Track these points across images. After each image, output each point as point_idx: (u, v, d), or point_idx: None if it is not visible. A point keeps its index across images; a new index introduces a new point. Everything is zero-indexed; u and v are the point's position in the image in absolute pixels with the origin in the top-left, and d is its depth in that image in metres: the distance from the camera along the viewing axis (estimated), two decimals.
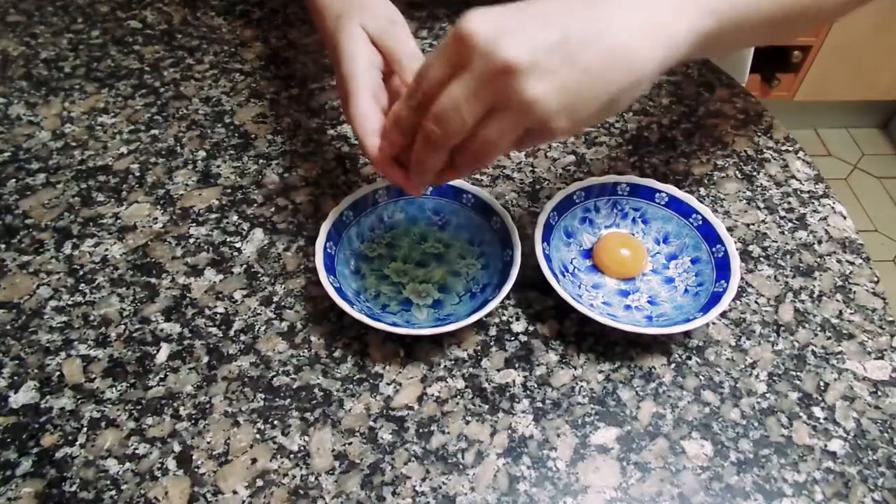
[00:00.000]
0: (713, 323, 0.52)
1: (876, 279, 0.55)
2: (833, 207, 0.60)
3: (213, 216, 0.57)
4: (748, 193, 0.61)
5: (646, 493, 0.43)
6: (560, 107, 0.35)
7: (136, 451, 0.43)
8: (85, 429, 0.44)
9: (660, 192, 0.55)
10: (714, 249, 0.52)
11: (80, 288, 0.52)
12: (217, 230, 0.56)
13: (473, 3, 0.38)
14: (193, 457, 0.43)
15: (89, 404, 0.45)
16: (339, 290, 0.47)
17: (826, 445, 0.45)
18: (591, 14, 0.35)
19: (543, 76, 0.34)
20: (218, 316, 0.50)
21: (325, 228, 0.50)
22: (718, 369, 0.49)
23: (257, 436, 0.44)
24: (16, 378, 0.47)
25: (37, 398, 0.46)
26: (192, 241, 0.55)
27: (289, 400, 0.46)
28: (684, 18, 0.37)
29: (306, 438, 0.44)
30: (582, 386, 0.48)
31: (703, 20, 0.38)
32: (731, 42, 0.43)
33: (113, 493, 0.42)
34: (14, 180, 0.59)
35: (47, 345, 0.48)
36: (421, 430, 0.45)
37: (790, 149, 0.65)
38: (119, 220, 0.56)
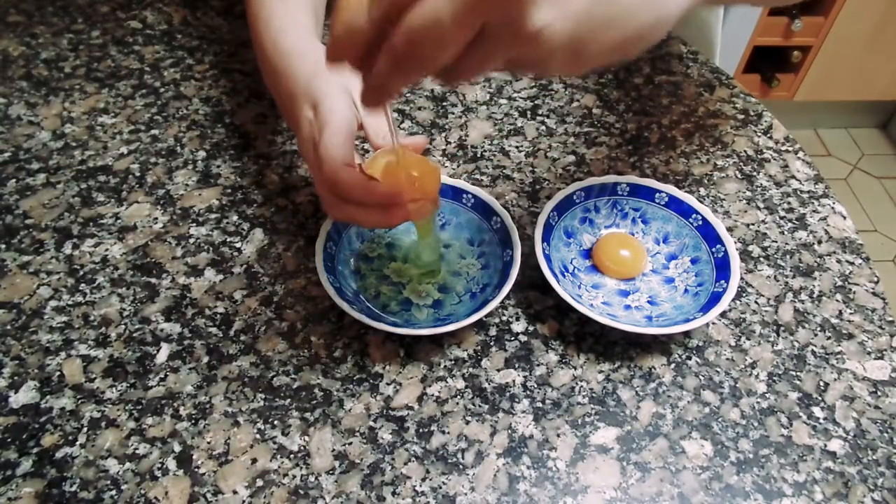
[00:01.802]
0: (713, 323, 0.52)
1: (876, 279, 0.55)
2: (833, 207, 0.60)
3: (213, 216, 0.57)
4: (748, 193, 0.61)
5: (646, 493, 0.43)
6: (566, 42, 0.29)
7: (136, 451, 0.43)
8: (85, 429, 0.44)
9: (660, 192, 0.55)
10: (714, 249, 0.52)
11: (81, 288, 0.52)
12: (217, 230, 0.56)
13: None
14: (193, 457, 0.43)
15: (89, 404, 0.45)
16: (339, 290, 0.47)
17: (826, 445, 0.45)
18: None
19: (555, 1, 0.28)
20: (218, 316, 0.50)
21: (325, 228, 0.50)
22: (718, 369, 0.49)
23: (257, 436, 0.44)
24: (16, 378, 0.47)
25: (37, 398, 0.46)
26: (192, 241, 0.55)
27: (289, 400, 0.46)
28: None
29: (306, 438, 0.44)
30: (582, 386, 0.48)
31: None
32: None
33: (113, 493, 0.42)
34: (14, 180, 0.59)
35: (47, 345, 0.48)
36: (421, 430, 0.45)
37: (790, 149, 0.65)
38: (119, 220, 0.56)
